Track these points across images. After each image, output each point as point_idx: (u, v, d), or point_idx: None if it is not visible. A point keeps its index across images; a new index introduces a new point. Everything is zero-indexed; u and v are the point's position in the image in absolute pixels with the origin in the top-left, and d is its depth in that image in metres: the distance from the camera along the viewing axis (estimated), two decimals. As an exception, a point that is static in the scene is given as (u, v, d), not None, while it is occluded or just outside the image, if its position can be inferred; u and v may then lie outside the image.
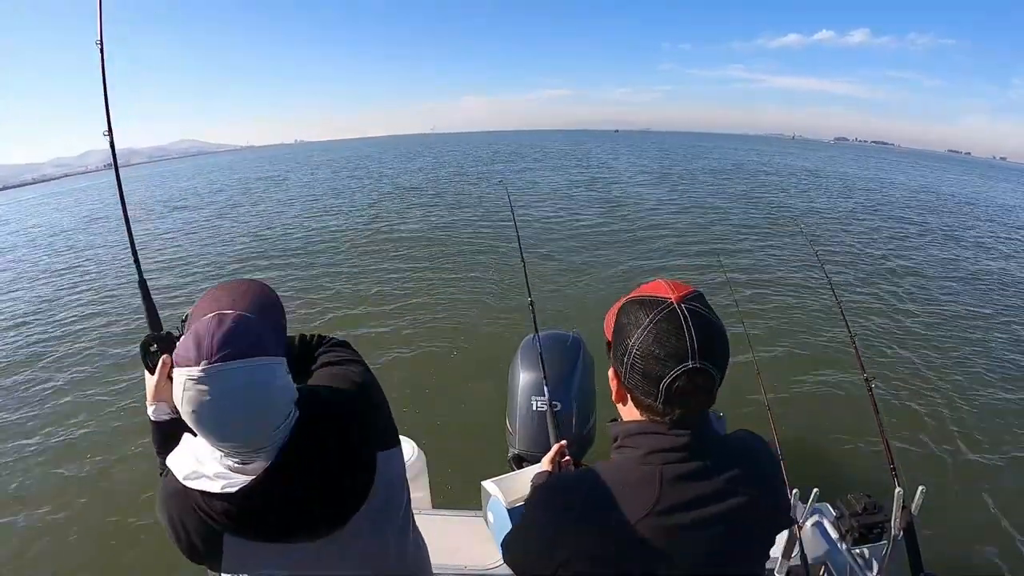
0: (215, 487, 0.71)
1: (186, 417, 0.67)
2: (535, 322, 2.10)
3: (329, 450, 0.77)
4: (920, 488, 1.54)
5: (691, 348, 0.64)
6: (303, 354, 0.97)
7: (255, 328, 0.70)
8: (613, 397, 0.77)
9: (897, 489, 1.55)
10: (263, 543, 0.76)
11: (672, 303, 0.67)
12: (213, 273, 8.70)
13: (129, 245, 1.40)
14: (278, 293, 0.85)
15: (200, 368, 0.64)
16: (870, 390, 1.88)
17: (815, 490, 1.73)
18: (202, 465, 0.73)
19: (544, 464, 1.13)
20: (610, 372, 0.75)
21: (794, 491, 1.68)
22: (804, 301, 6.74)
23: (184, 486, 0.73)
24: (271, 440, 0.71)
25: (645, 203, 14.43)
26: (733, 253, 9.15)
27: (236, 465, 0.72)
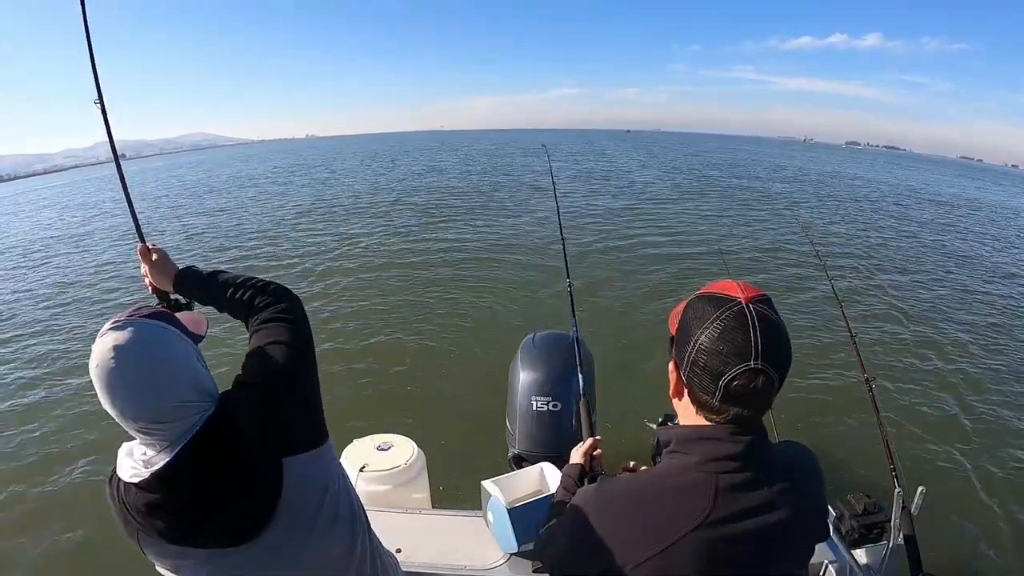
0: (127, 476, 0.78)
1: (93, 380, 0.73)
2: (572, 304, 2.04)
3: (224, 462, 0.77)
4: (920, 488, 1.55)
5: (755, 348, 0.64)
6: (249, 300, 0.98)
7: (167, 317, 0.81)
8: (671, 391, 0.77)
9: (897, 489, 1.56)
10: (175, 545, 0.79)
11: (741, 302, 0.67)
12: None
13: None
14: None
15: (109, 325, 0.75)
16: (871, 390, 1.89)
17: None
18: (130, 456, 0.80)
19: (576, 458, 1.10)
20: (670, 366, 0.76)
21: None
22: (805, 301, 6.74)
23: (114, 475, 0.81)
24: (171, 416, 0.75)
25: (648, 200, 14.43)
26: (735, 251, 9.15)
27: (145, 457, 0.78)
